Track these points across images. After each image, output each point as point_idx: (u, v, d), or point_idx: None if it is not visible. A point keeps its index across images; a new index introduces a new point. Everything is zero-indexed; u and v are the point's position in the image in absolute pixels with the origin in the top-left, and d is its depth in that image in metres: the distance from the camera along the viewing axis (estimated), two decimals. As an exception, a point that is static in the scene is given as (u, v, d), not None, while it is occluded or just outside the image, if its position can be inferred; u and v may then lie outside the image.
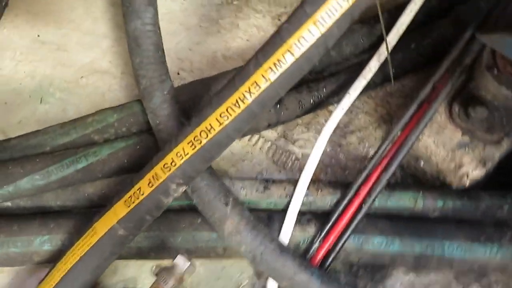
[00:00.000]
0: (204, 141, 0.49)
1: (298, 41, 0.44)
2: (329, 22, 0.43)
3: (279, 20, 0.77)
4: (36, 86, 0.75)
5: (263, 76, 0.46)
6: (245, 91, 0.46)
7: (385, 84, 0.68)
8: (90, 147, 0.59)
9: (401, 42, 0.64)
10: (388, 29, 0.64)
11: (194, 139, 0.50)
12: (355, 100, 0.63)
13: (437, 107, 0.53)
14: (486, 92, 0.52)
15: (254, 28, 0.77)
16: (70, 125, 0.62)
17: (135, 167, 0.61)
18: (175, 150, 0.50)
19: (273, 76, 0.45)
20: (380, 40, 0.67)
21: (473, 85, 0.53)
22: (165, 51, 0.62)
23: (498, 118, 0.52)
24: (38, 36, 0.78)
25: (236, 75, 0.48)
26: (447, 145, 0.55)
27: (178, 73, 0.75)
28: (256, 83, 0.46)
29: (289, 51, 0.45)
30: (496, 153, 0.53)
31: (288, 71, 0.45)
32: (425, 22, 0.66)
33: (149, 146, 0.61)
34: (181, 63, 0.76)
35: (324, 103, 0.67)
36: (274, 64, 0.45)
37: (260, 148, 0.69)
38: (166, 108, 0.57)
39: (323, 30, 0.43)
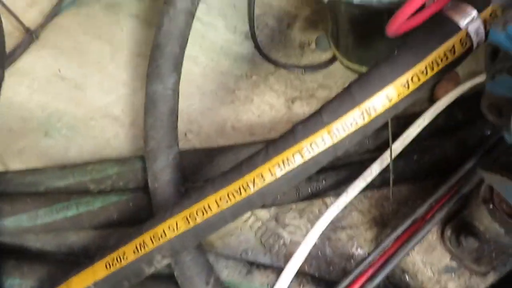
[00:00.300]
0: (199, 220, 0.49)
1: (310, 145, 0.46)
2: (343, 134, 0.45)
3: (292, 102, 0.80)
4: (45, 118, 0.76)
5: (270, 170, 0.47)
6: (250, 181, 0.47)
7: (382, 188, 0.70)
8: (83, 196, 0.59)
9: (405, 152, 0.66)
10: (394, 135, 0.66)
11: (189, 215, 0.50)
12: (351, 198, 0.64)
13: (430, 228, 0.54)
14: (479, 223, 0.53)
15: (267, 105, 0.79)
16: (69, 169, 0.62)
17: (124, 223, 0.61)
18: (168, 222, 0.50)
19: (279, 172, 0.47)
20: (385, 145, 0.69)
21: (467, 213, 0.55)
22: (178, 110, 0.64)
23: (487, 251, 0.53)
24: (60, 70, 0.80)
25: (244, 162, 0.49)
26: (434, 266, 0.56)
27: (186, 134, 0.77)
28: (262, 176, 0.47)
29: (299, 152, 0.46)
30: (481, 285, 0.53)
31: (295, 170, 0.46)
32: (430, 138, 0.69)
33: (142, 206, 0.61)
34: (190, 125, 0.78)
35: (321, 194, 0.68)
36: (283, 161, 0.47)
37: (250, 226, 0.69)
38: (168, 174, 0.58)
39: (335, 140, 0.45)
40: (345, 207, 0.70)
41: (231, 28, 0.86)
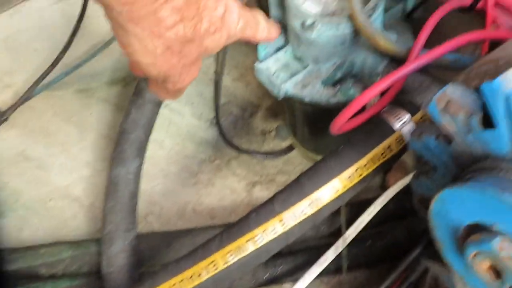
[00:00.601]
0: (150, 308, 0.48)
1: (263, 233, 0.48)
2: (293, 223, 0.48)
3: (252, 187, 0.83)
4: (3, 199, 0.75)
5: (223, 257, 0.48)
6: (203, 268, 0.48)
7: (338, 273, 0.71)
8: (32, 282, 0.57)
9: (358, 238, 0.68)
10: (348, 221, 0.69)
11: (141, 303, 0.49)
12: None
13: (381, 316, 0.55)
14: (428, 311, 0.55)
15: (228, 189, 0.82)
16: (21, 252, 0.60)
17: (73, 311, 0.58)
18: (118, 310, 0.49)
19: (232, 260, 0.48)
20: (339, 230, 0.72)
21: (416, 301, 0.56)
22: (139, 191, 0.65)
23: None
24: (24, 150, 0.81)
25: (199, 249, 0.50)
26: None
27: (146, 217, 0.77)
28: (215, 263, 0.48)
29: (252, 240, 0.48)
30: None
31: (247, 258, 0.48)
32: (382, 224, 0.72)
33: (94, 291, 0.59)
34: (151, 206, 0.78)
35: (277, 280, 0.68)
36: (236, 248, 0.48)
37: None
38: (123, 258, 0.58)
39: (286, 228, 0.48)
40: (303, 294, 0.70)
41: (197, 115, 0.91)
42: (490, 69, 0.26)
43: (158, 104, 0.66)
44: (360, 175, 0.48)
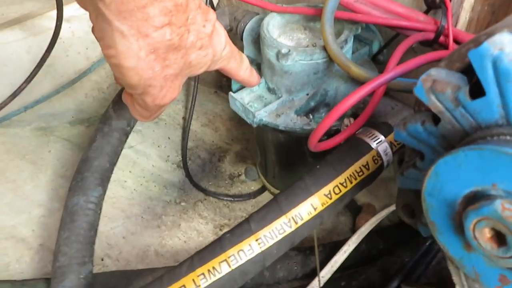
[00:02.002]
0: None
1: (238, 253, 0.44)
2: (271, 242, 0.45)
3: (220, 230, 0.79)
4: None
5: (194, 281, 0.43)
6: (171, 294, 0.43)
7: (313, 319, 0.66)
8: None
9: (332, 279, 0.65)
10: (321, 262, 0.66)
11: (95, 339, 0.42)
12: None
13: None
14: None
15: (194, 231, 0.77)
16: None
17: None
18: None
19: (204, 283, 0.43)
20: (313, 271, 0.68)
21: (398, 338, 0.53)
22: (97, 233, 0.60)
23: None
24: (-31, 186, 0.74)
25: (167, 273, 0.45)
26: None
27: (102, 259, 0.70)
28: (185, 287, 0.43)
29: (226, 261, 0.44)
30: None
31: (221, 281, 0.43)
32: (355, 265, 0.70)
33: (37, 338, 0.51)
34: (109, 249, 0.72)
35: (248, 327, 0.62)
36: (209, 271, 0.44)
37: None
38: (76, 295, 0.51)
39: (263, 248, 0.44)
40: None
41: (163, 157, 0.88)
42: (472, 47, 0.27)
43: (126, 133, 0.64)
44: (339, 192, 0.47)
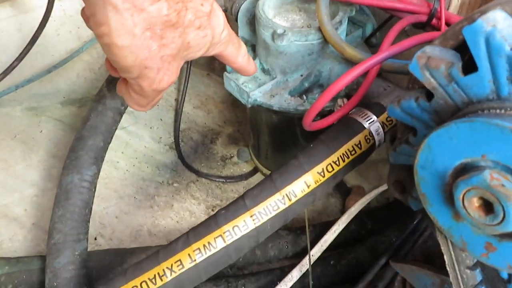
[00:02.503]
0: (103, 316, 0.43)
1: (233, 229, 0.45)
2: (265, 218, 0.46)
3: (212, 210, 0.79)
4: None
5: (189, 255, 0.44)
6: (167, 267, 0.44)
7: (303, 295, 0.68)
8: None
9: (322, 258, 0.67)
10: (312, 242, 0.68)
11: (93, 311, 0.43)
12: (272, 306, 0.61)
13: (352, 328, 0.52)
14: (397, 322, 0.53)
15: (187, 212, 0.78)
16: None
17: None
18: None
19: (199, 258, 0.44)
20: (304, 250, 0.70)
21: (386, 312, 0.55)
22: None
23: None
24: (-41, 166, 0.74)
25: (162, 248, 0.46)
26: None
27: (96, 238, 0.71)
28: (181, 262, 0.44)
29: (221, 236, 0.45)
30: None
31: (216, 256, 0.44)
32: (344, 244, 0.71)
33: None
34: (102, 228, 0.72)
35: (240, 303, 0.64)
36: (204, 246, 0.45)
37: None
38: (71, 270, 0.51)
39: (257, 224, 0.45)
40: (266, 318, 0.66)
41: (156, 138, 0.88)
42: (466, 24, 0.28)
43: (120, 113, 0.64)
44: (332, 171, 0.48)
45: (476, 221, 0.26)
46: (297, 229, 0.73)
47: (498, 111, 0.26)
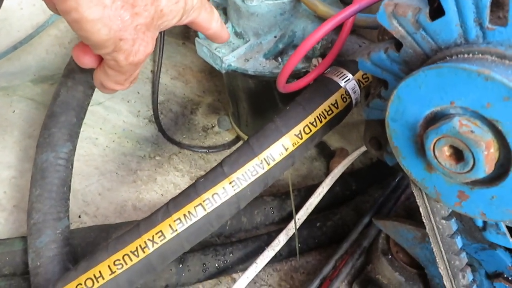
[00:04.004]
0: (87, 291, 0.42)
1: (212, 196, 0.45)
2: (244, 184, 0.45)
3: (196, 181, 0.79)
4: None
5: (170, 226, 0.44)
6: (148, 239, 0.44)
7: (290, 258, 0.69)
8: None
9: (308, 220, 0.67)
10: (297, 206, 0.68)
11: (76, 287, 0.43)
12: (260, 271, 0.61)
13: (338, 285, 0.53)
14: (382, 277, 0.54)
15: (171, 184, 0.77)
16: None
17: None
18: (48, 299, 0.43)
19: (180, 228, 0.44)
20: (289, 215, 0.70)
21: (370, 268, 0.56)
22: (72, 191, 0.59)
23: (393, 305, 0.53)
24: None
25: (143, 221, 0.45)
26: (347, 328, 0.54)
27: (80, 216, 0.70)
28: (162, 233, 0.44)
29: (201, 204, 0.44)
30: None
31: (197, 224, 0.44)
32: (330, 205, 0.72)
33: (18, 294, 0.51)
34: (85, 206, 0.72)
35: (229, 270, 0.64)
36: (184, 215, 0.44)
37: (152, 313, 0.61)
38: (54, 249, 0.51)
39: (237, 190, 0.45)
40: (255, 282, 0.67)
41: (134, 112, 0.86)
42: (432, -33, 0.27)
43: (91, 86, 0.62)
44: (309, 132, 0.47)
45: (448, 170, 0.26)
46: (282, 194, 0.73)
47: (466, 55, 0.25)
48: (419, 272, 0.52)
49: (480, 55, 0.24)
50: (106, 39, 0.37)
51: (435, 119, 0.26)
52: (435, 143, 0.26)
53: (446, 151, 0.25)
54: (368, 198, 0.72)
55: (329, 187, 0.70)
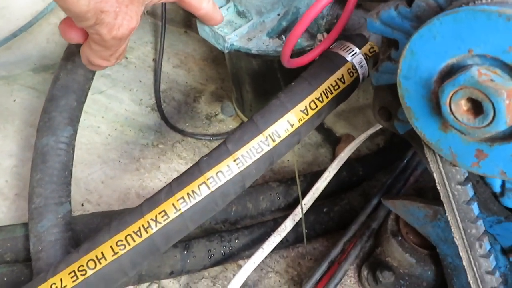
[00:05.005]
0: (90, 272, 0.41)
1: (216, 175, 0.43)
2: (249, 161, 0.44)
3: (200, 169, 0.78)
4: None
5: (173, 205, 0.43)
6: (151, 219, 0.42)
7: (297, 245, 0.67)
8: None
9: (315, 206, 0.66)
10: (303, 191, 0.67)
11: (78, 269, 0.42)
12: (267, 257, 0.60)
13: (346, 268, 0.52)
14: (392, 259, 0.53)
15: (175, 172, 0.76)
16: None
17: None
18: (50, 281, 0.41)
19: (184, 207, 0.43)
20: (296, 201, 0.69)
21: (380, 250, 0.54)
22: (74, 180, 0.58)
23: (404, 287, 0.51)
24: None
25: (146, 201, 0.44)
26: (356, 312, 0.52)
27: (82, 205, 0.69)
28: (165, 212, 0.42)
29: (205, 183, 0.43)
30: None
31: (201, 203, 0.43)
32: (336, 191, 0.70)
33: (21, 281, 0.50)
34: (88, 194, 0.70)
35: (234, 256, 0.63)
36: (188, 194, 0.43)
37: (157, 299, 0.60)
38: (55, 233, 0.50)
39: (242, 168, 0.44)
40: (261, 269, 0.66)
41: (136, 100, 0.85)
42: None
43: (91, 70, 0.61)
44: (315, 108, 0.46)
45: (465, 126, 0.24)
46: (288, 180, 0.72)
47: (484, 0, 0.23)
48: (430, 252, 0.51)
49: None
50: (86, 10, 0.36)
51: (451, 72, 0.24)
52: (451, 97, 0.24)
53: (464, 105, 0.24)
54: (376, 183, 0.70)
55: (335, 171, 0.69)
